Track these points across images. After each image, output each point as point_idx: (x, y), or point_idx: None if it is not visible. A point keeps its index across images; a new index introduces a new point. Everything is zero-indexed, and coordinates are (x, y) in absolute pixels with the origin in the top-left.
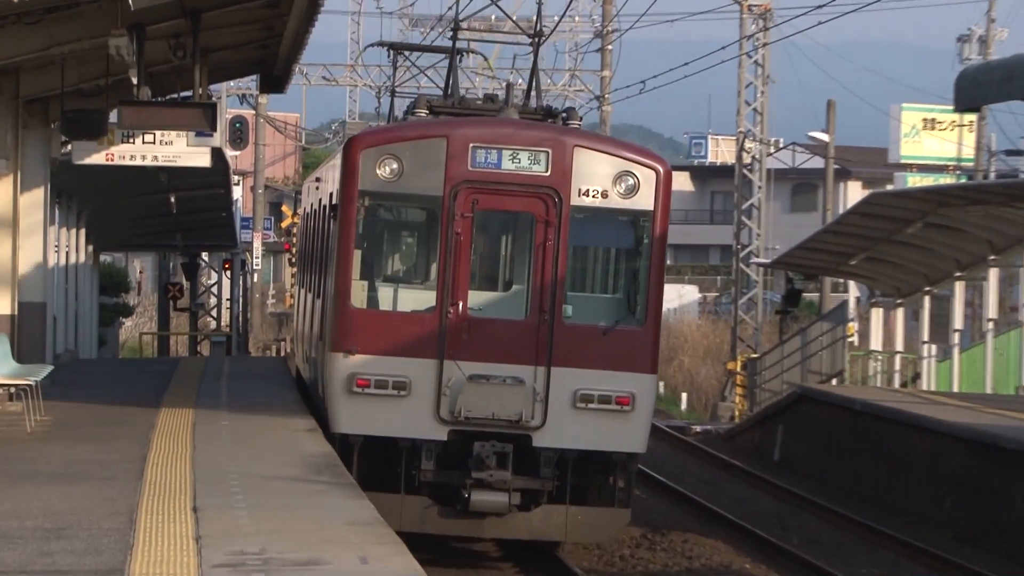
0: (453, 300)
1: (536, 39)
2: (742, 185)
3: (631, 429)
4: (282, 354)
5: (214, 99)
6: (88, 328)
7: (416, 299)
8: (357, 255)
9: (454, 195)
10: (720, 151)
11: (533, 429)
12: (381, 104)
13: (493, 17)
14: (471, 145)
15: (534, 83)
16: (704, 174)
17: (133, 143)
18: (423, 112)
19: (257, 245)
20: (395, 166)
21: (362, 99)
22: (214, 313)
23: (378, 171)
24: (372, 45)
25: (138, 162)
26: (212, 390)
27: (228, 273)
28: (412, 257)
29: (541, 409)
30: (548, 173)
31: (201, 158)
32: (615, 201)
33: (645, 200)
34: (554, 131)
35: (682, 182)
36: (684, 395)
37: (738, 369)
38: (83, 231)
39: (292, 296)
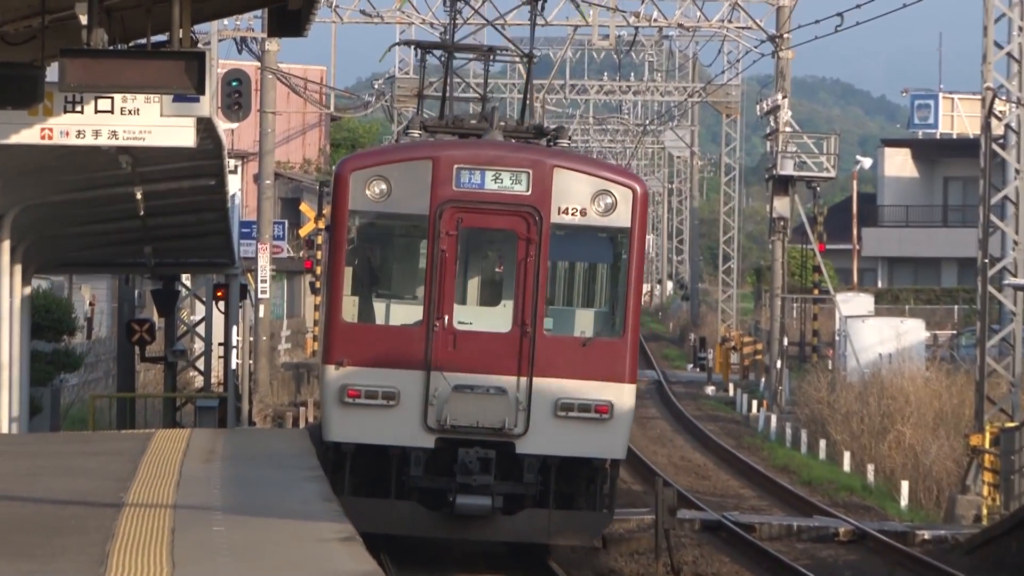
0: (439, 314)
1: (529, 59)
2: (991, 168)
3: (610, 436)
4: (303, 424)
5: (201, 46)
6: (14, 389)
7: (404, 313)
8: (348, 272)
9: (440, 214)
10: (956, 118)
11: (516, 436)
12: (426, 59)
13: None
14: (456, 166)
15: (527, 102)
16: (932, 151)
17: (81, 112)
18: (416, 133)
19: (264, 263)
20: (384, 187)
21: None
22: (200, 365)
23: (367, 192)
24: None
25: (88, 140)
26: (199, 480)
27: (222, 305)
28: (400, 273)
29: (524, 417)
30: (529, 192)
31: (182, 134)
32: (593, 219)
33: (622, 218)
34: (535, 152)
35: (900, 163)
36: (905, 484)
37: (986, 445)
38: (6, 244)
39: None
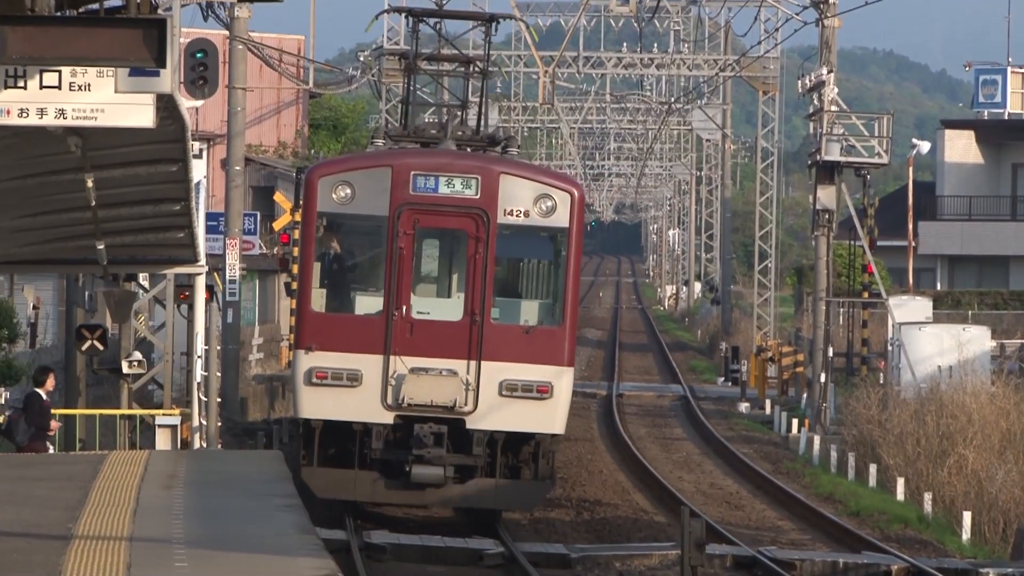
0: (398, 304)
1: (484, 75)
2: None
3: (550, 413)
4: (277, 446)
5: (161, 13)
6: None
7: (367, 304)
8: (316, 266)
9: (398, 215)
10: None
11: (466, 414)
12: (418, 29)
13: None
14: (412, 173)
15: (482, 113)
16: (1000, 134)
17: (24, 89)
18: (380, 142)
19: (232, 260)
20: (348, 191)
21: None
22: (160, 377)
23: (333, 195)
24: (389, 10)
25: (32, 120)
26: (159, 508)
27: (185, 308)
28: (363, 268)
29: (473, 397)
30: (478, 196)
31: (140, 113)
32: (535, 220)
33: (561, 219)
34: (483, 160)
35: (962, 147)
36: (967, 515)
37: None
38: None
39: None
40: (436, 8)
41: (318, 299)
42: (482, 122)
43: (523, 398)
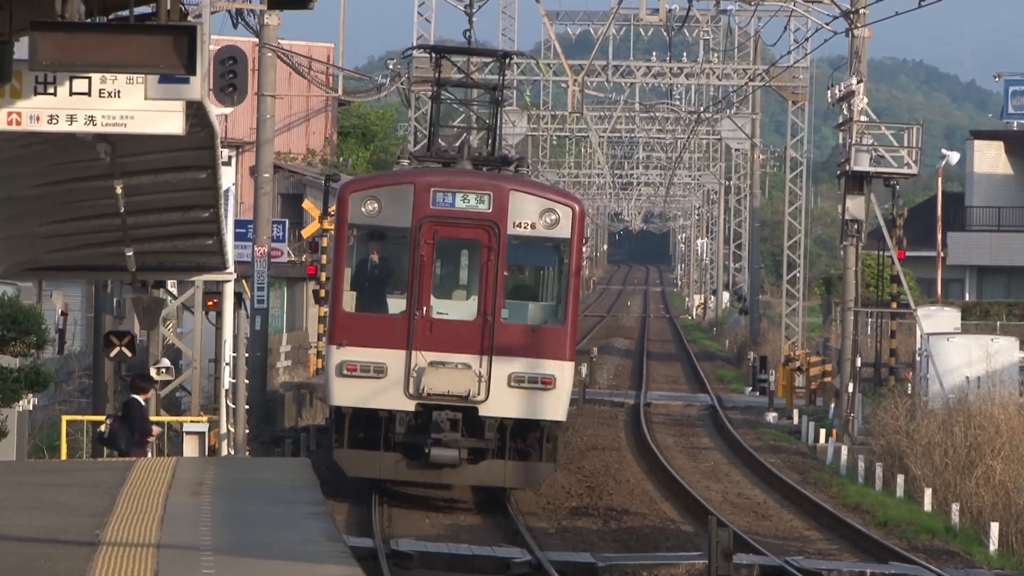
0: (419, 306)
1: (498, 101)
2: None
3: (554, 402)
4: (304, 454)
5: (191, 20)
6: None
7: (392, 304)
8: (347, 272)
9: (419, 227)
10: None
11: (479, 402)
12: (441, 64)
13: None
14: (432, 189)
15: (496, 136)
16: None
17: (54, 95)
18: (405, 162)
19: (261, 268)
20: (375, 205)
21: (440, 16)
22: (188, 384)
23: (363, 209)
24: (414, 48)
25: (62, 127)
26: (186, 515)
27: (213, 315)
28: (389, 273)
29: (485, 387)
30: (490, 210)
31: (169, 120)
32: (541, 231)
33: (564, 231)
34: (495, 178)
35: (992, 158)
36: (995, 526)
37: None
38: None
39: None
40: (458, 47)
41: (349, 300)
42: (497, 144)
43: (529, 389)
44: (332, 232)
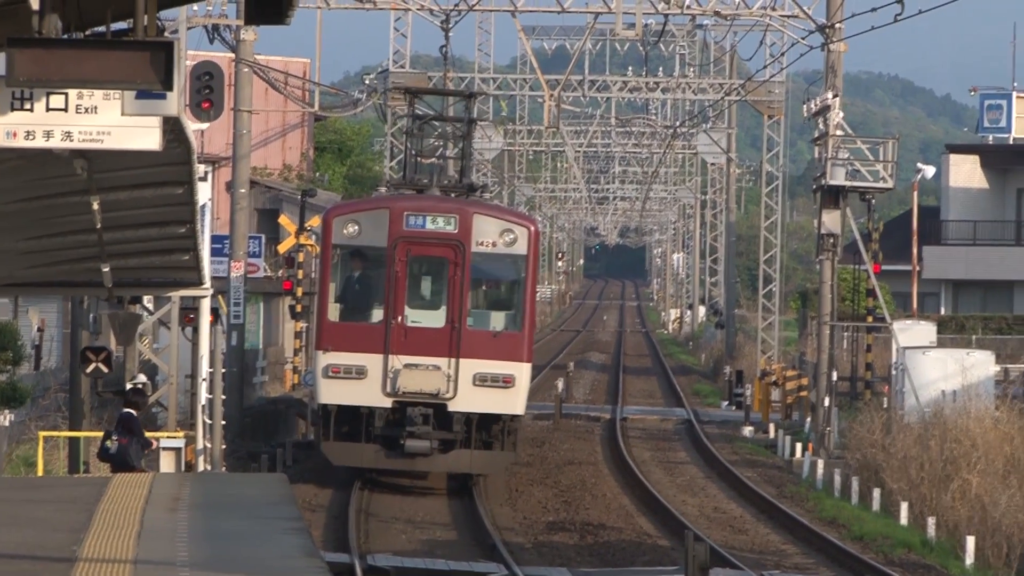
0: (395, 315)
1: (465, 136)
2: None
3: (513, 398)
4: (281, 468)
5: (168, 35)
6: None
7: (371, 314)
8: (332, 286)
9: (395, 246)
10: None
11: (448, 399)
12: (414, 102)
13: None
14: (405, 213)
15: (464, 164)
16: (1005, 159)
17: (31, 110)
18: (383, 189)
19: (237, 283)
20: (356, 228)
21: (416, 32)
22: (164, 399)
23: (345, 231)
24: (392, 90)
25: (39, 142)
26: (163, 531)
27: (190, 331)
28: (368, 287)
29: (453, 386)
30: (456, 231)
31: (146, 136)
32: (501, 249)
33: (521, 248)
34: (461, 203)
35: (967, 172)
36: (970, 540)
37: None
38: None
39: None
40: (430, 89)
41: (333, 311)
42: (465, 172)
43: (492, 387)
44: (318, 251)
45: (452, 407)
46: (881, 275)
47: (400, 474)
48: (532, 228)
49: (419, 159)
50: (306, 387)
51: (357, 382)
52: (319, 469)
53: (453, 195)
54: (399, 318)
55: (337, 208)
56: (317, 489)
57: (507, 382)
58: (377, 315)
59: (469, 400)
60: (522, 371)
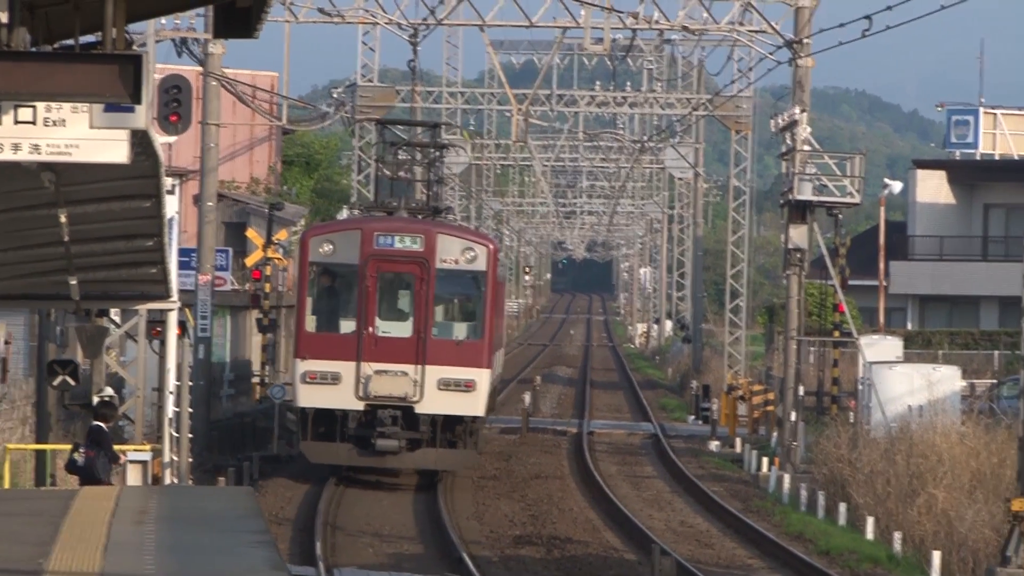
0: (366, 326)
1: (432, 161)
2: None
3: (475, 401)
4: (247, 482)
5: (137, 48)
6: None
7: (344, 325)
8: (309, 300)
9: (366, 263)
10: (999, 136)
11: (415, 402)
12: (384, 133)
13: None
14: (375, 233)
15: (430, 190)
16: (971, 174)
17: None
18: (356, 211)
19: (205, 296)
20: (330, 247)
21: (384, 46)
22: (131, 412)
23: (320, 250)
24: (363, 120)
25: (6, 155)
26: (130, 544)
27: (157, 344)
28: (342, 300)
29: (420, 390)
30: (422, 249)
31: (114, 149)
32: (463, 266)
33: (481, 265)
34: (427, 224)
35: (934, 188)
36: (936, 554)
37: None
38: None
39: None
40: (400, 119)
41: (311, 323)
42: (431, 195)
43: (455, 391)
44: (284, 264)
45: (419, 409)
46: (848, 290)
47: (372, 471)
48: (491, 247)
49: (391, 179)
50: (274, 399)
51: (332, 387)
52: (286, 482)
53: (420, 216)
54: (370, 329)
55: (314, 229)
56: (284, 502)
57: (469, 386)
58: (350, 326)
59: (434, 403)
60: (482, 376)
